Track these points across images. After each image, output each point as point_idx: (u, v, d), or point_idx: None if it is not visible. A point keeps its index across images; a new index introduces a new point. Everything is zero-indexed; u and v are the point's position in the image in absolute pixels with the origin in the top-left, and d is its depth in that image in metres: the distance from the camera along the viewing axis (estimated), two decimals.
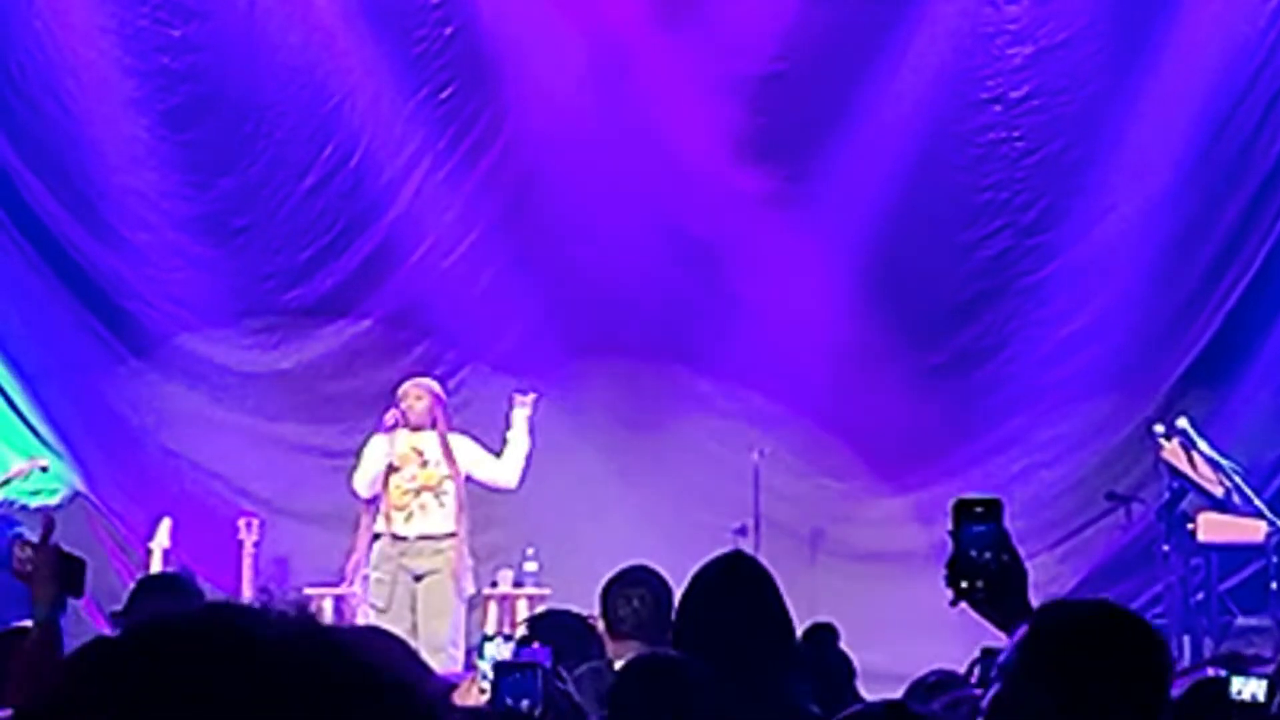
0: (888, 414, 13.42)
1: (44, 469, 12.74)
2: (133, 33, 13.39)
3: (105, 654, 1.21)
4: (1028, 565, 3.70)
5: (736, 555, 5.35)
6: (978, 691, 4.45)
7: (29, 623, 5.31)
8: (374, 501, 10.88)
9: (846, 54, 13.52)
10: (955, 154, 13.64)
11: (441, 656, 9.96)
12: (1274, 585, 11.92)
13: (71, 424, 13.35)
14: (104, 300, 13.49)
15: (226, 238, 13.62)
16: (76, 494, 13.20)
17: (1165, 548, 12.19)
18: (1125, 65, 13.41)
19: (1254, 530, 12.03)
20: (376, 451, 10.85)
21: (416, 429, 10.86)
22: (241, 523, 11.97)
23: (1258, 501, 12.10)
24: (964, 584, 3.51)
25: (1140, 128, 13.34)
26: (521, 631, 7.10)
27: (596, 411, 13.51)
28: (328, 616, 11.75)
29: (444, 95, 13.65)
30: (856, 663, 7.00)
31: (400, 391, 11.07)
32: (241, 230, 13.62)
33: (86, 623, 9.82)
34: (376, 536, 10.82)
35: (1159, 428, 12.32)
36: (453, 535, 10.75)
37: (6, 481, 12.54)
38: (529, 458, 11.14)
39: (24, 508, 12.90)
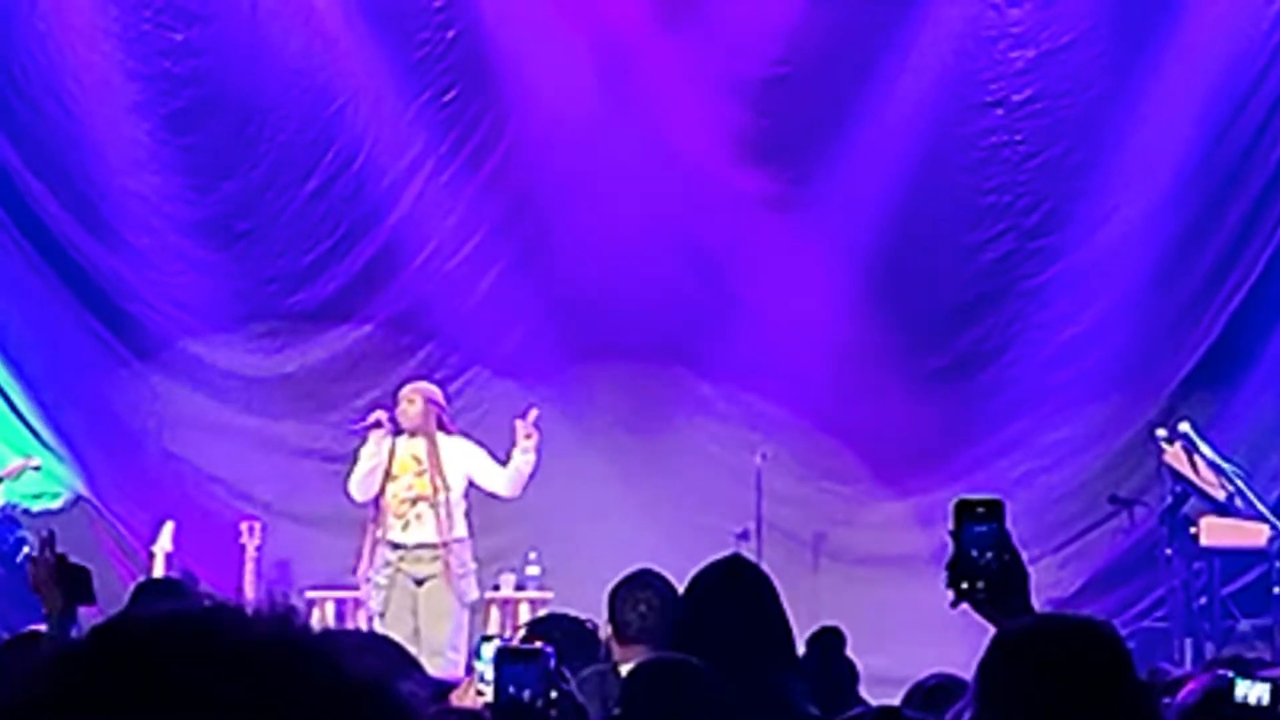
0: (890, 417, 13.42)
1: (36, 468, 12.74)
2: (135, 36, 13.40)
3: (68, 659, 1.21)
4: (1030, 568, 3.69)
5: (735, 559, 5.35)
6: None
7: (41, 626, 5.34)
8: (377, 505, 10.83)
9: (849, 57, 13.52)
10: (958, 157, 13.64)
11: (440, 660, 9.93)
12: (1276, 589, 11.91)
13: (74, 427, 13.35)
14: (106, 303, 13.50)
15: (229, 241, 13.62)
16: (79, 497, 13.20)
17: (1168, 551, 12.18)
18: (1127, 69, 13.40)
19: (1256, 534, 12.01)
20: (364, 454, 10.79)
21: (412, 434, 10.76)
22: (244, 526, 11.96)
23: (1260, 505, 12.08)
24: (965, 585, 3.50)
25: (1142, 131, 13.33)
26: (522, 635, 7.09)
27: (599, 415, 13.51)
28: (329, 620, 11.75)
29: (446, 99, 13.65)
30: (858, 666, 6.99)
31: (400, 395, 11.01)
32: (244, 234, 13.62)
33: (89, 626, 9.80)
34: (379, 543, 10.76)
35: (1161, 431, 12.30)
36: (450, 543, 10.67)
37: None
38: (534, 470, 10.98)
39: (27, 511, 12.91)
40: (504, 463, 10.85)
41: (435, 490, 10.61)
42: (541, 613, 10.00)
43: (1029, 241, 13.60)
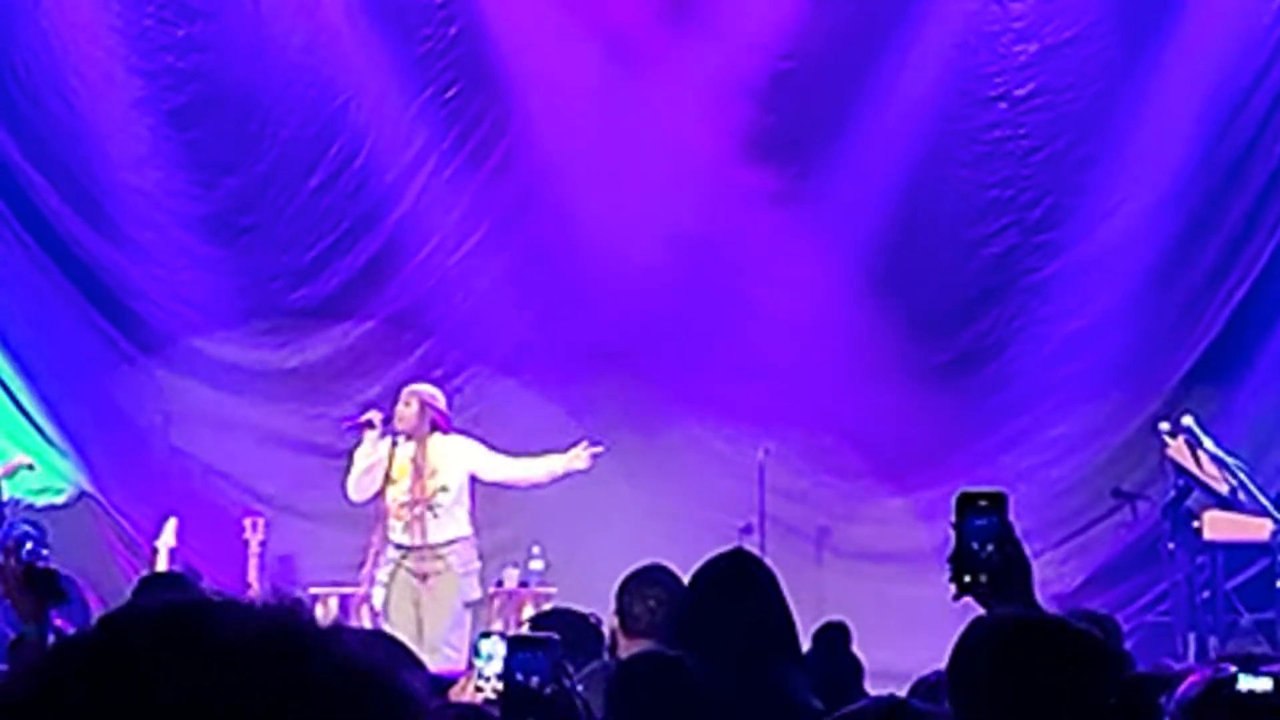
0: (893, 412, 13.41)
1: (30, 467, 12.73)
2: (138, 32, 13.40)
3: (71, 653, 1.21)
4: (1032, 562, 3.69)
5: (738, 553, 5.35)
6: None
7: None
8: (380, 507, 10.84)
9: (853, 52, 13.51)
10: (961, 151, 13.64)
11: (438, 656, 9.94)
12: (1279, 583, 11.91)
13: (77, 423, 13.35)
14: (110, 299, 13.50)
15: (232, 237, 13.62)
16: (82, 493, 13.21)
17: (1170, 545, 12.18)
18: (1130, 63, 13.40)
19: (1259, 528, 12.01)
20: (360, 454, 10.79)
21: (409, 437, 10.75)
22: (247, 522, 11.97)
23: (1263, 499, 12.08)
24: (967, 578, 3.50)
25: (1145, 125, 13.32)
26: (525, 630, 7.10)
27: (602, 410, 13.50)
28: (333, 615, 11.76)
29: (449, 94, 13.64)
30: (862, 660, 6.99)
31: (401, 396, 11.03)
32: (247, 230, 13.63)
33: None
34: (386, 542, 10.77)
35: (1164, 425, 12.30)
36: (452, 543, 10.69)
37: None
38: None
39: (30, 507, 12.91)
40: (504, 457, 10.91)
41: (430, 494, 10.61)
42: (545, 607, 9.99)
43: (1032, 236, 13.59)
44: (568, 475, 11.01)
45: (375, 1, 13.60)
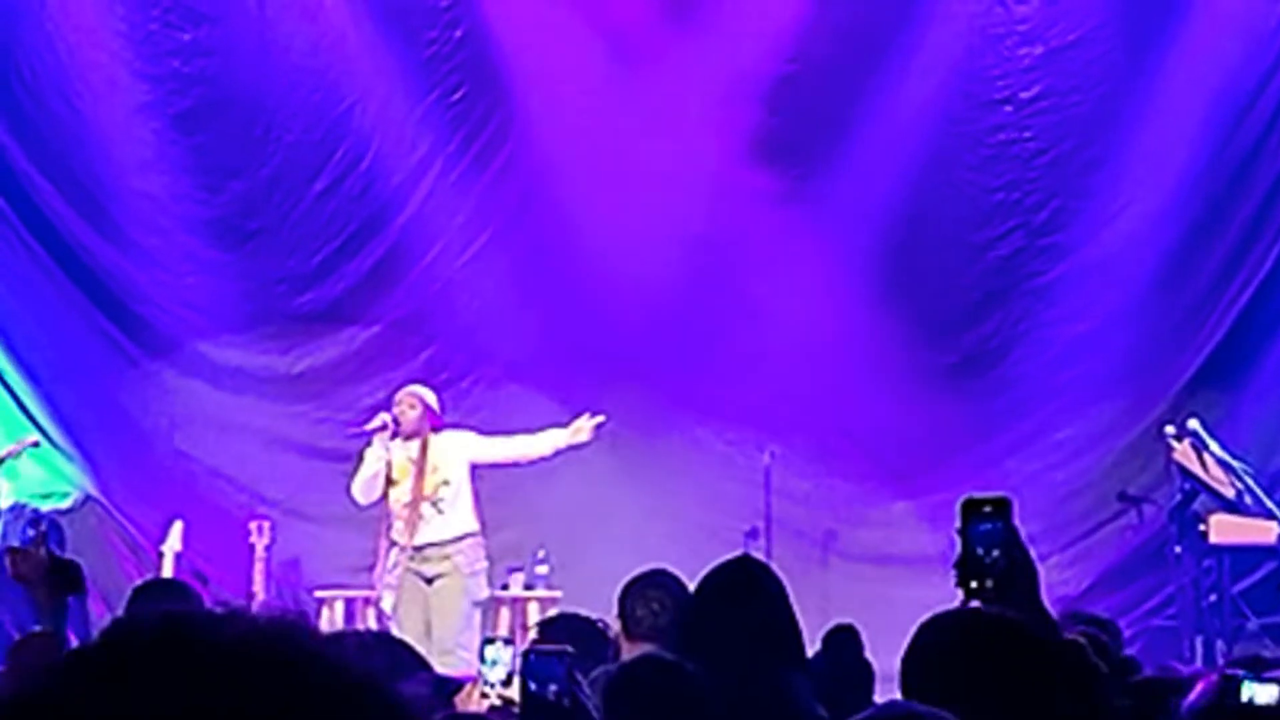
0: (898, 415, 13.41)
1: (35, 445, 12.76)
2: (143, 36, 13.41)
3: (76, 665, 1.21)
4: (1038, 566, 3.69)
5: (745, 559, 5.34)
6: None
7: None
8: (386, 509, 10.86)
9: (858, 54, 13.51)
10: (966, 154, 13.63)
11: (451, 659, 9.95)
12: None
13: (83, 426, 13.36)
14: (115, 303, 13.51)
15: (238, 242, 13.63)
16: (88, 497, 13.22)
17: (1177, 549, 12.16)
18: (1135, 66, 13.39)
19: (1266, 531, 12.00)
20: (369, 457, 10.82)
21: (409, 438, 10.78)
22: (253, 525, 11.96)
23: (1269, 503, 12.07)
24: (974, 583, 3.50)
25: (1151, 128, 13.32)
26: (532, 635, 7.10)
27: (607, 413, 13.47)
28: (339, 619, 11.76)
29: (454, 98, 13.65)
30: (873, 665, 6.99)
31: (396, 398, 11.03)
32: (253, 234, 13.63)
33: (98, 625, 9.81)
34: (392, 544, 10.78)
35: (1170, 429, 12.29)
36: (459, 540, 10.71)
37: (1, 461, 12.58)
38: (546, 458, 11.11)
39: (36, 510, 12.92)
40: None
41: (433, 490, 10.65)
42: (551, 612, 10.00)
43: (1037, 239, 13.59)
44: (571, 449, 11.03)
45: (380, 5, 13.61)
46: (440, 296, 13.64)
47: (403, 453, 10.76)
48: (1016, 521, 3.57)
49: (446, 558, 10.66)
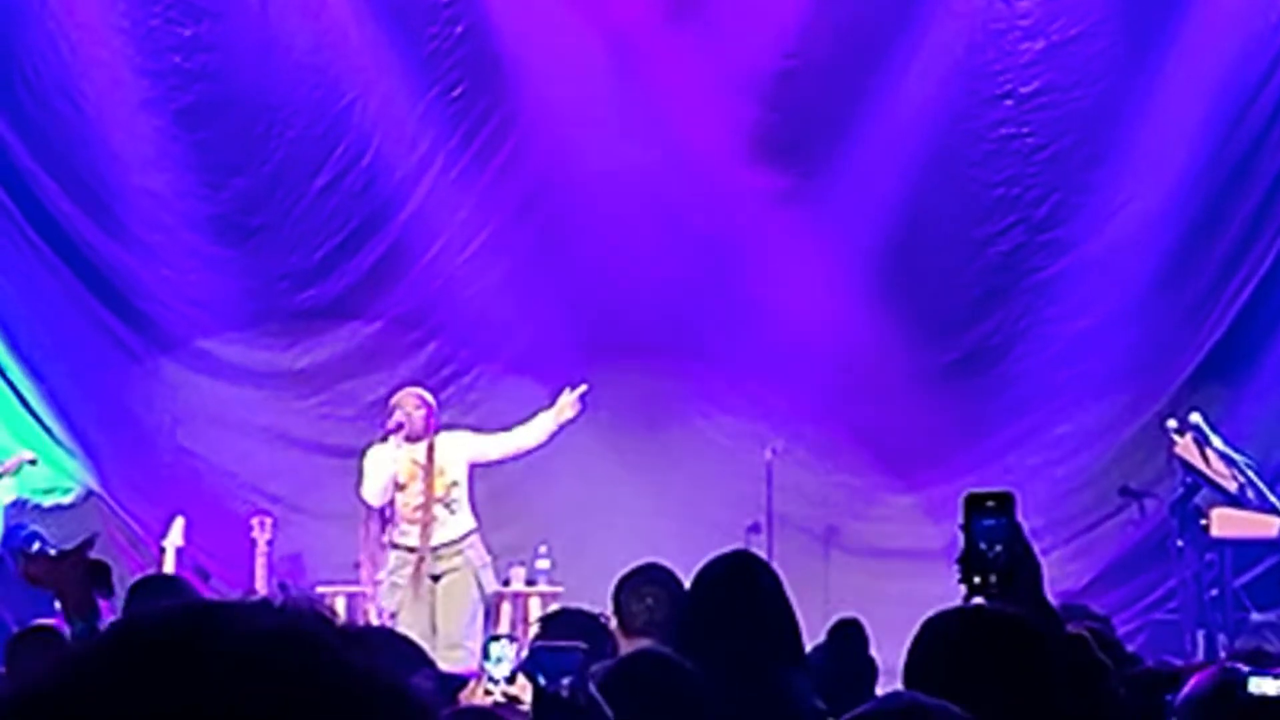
0: (900, 410, 13.41)
1: (32, 462, 12.75)
2: (145, 33, 13.41)
3: (86, 659, 1.22)
4: (1041, 561, 3.70)
5: (740, 554, 5.36)
6: None
7: (50, 620, 5.40)
8: (379, 510, 10.82)
9: (858, 51, 13.51)
10: (967, 149, 13.63)
11: (459, 652, 9.98)
12: None
13: (85, 422, 13.37)
14: (119, 300, 13.52)
15: (240, 238, 13.63)
16: (90, 493, 13.23)
17: (1179, 543, 12.16)
18: (1136, 61, 13.39)
19: (1267, 525, 12.00)
20: (383, 459, 10.75)
21: (415, 440, 10.75)
22: (255, 521, 11.97)
23: (1271, 496, 12.07)
24: (977, 579, 3.51)
25: (1152, 123, 13.32)
26: (534, 630, 7.10)
27: (609, 409, 13.49)
28: (341, 614, 11.75)
29: (455, 94, 13.65)
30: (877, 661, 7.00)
31: (396, 400, 10.92)
32: (255, 231, 13.64)
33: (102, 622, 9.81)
34: (393, 546, 10.75)
35: (1172, 423, 12.28)
36: (467, 535, 10.72)
37: None
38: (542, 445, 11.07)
39: (38, 507, 12.93)
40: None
41: (445, 492, 10.64)
42: (553, 607, 10.00)
43: (1038, 234, 13.59)
44: (563, 429, 10.98)
45: (381, 1, 13.61)
46: (442, 292, 13.65)
47: (408, 455, 10.73)
48: (1020, 517, 3.58)
49: (459, 554, 10.66)
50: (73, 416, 13.33)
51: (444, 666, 6.53)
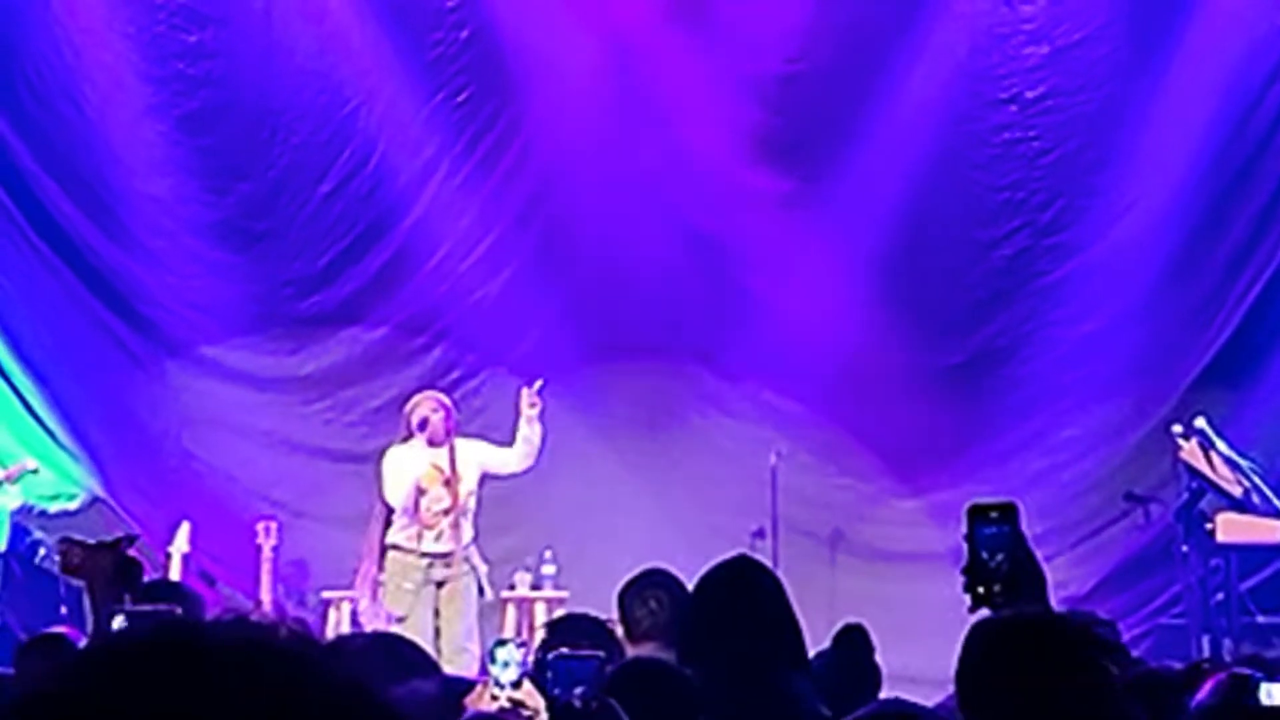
0: (905, 414, 13.41)
1: (34, 471, 12.76)
2: (149, 38, 13.43)
3: (63, 675, 1.23)
4: (1046, 567, 3.70)
5: (742, 559, 5.35)
6: None
7: (59, 629, 5.42)
8: (386, 513, 10.81)
9: (862, 54, 13.51)
10: (971, 153, 13.63)
11: (465, 656, 9.98)
12: None
13: (90, 428, 13.38)
14: (123, 305, 13.53)
15: (245, 244, 13.64)
16: (95, 498, 13.23)
17: (1184, 548, 12.16)
18: (1141, 64, 13.39)
19: (1273, 530, 12.00)
20: (404, 460, 10.72)
21: (435, 444, 10.72)
22: (260, 526, 11.97)
23: (1277, 501, 12.07)
24: (981, 590, 3.51)
25: (1156, 127, 13.32)
26: (540, 635, 7.10)
27: (614, 413, 13.52)
28: (345, 619, 11.77)
29: (460, 99, 13.66)
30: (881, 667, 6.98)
31: (414, 402, 10.89)
32: (260, 236, 13.65)
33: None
34: (394, 548, 10.73)
35: (1177, 428, 12.28)
36: (473, 542, 10.74)
37: None
38: (543, 445, 11.02)
39: (43, 513, 12.94)
40: (506, 446, 10.93)
41: (471, 493, 10.66)
42: (558, 612, 10.00)
43: (1043, 238, 13.59)
44: (545, 438, 10.89)
45: (385, 6, 13.62)
46: (447, 297, 13.65)
47: (427, 460, 10.69)
48: (1024, 526, 3.58)
49: (466, 559, 10.66)
50: (77, 422, 13.34)
51: (449, 671, 6.54)
